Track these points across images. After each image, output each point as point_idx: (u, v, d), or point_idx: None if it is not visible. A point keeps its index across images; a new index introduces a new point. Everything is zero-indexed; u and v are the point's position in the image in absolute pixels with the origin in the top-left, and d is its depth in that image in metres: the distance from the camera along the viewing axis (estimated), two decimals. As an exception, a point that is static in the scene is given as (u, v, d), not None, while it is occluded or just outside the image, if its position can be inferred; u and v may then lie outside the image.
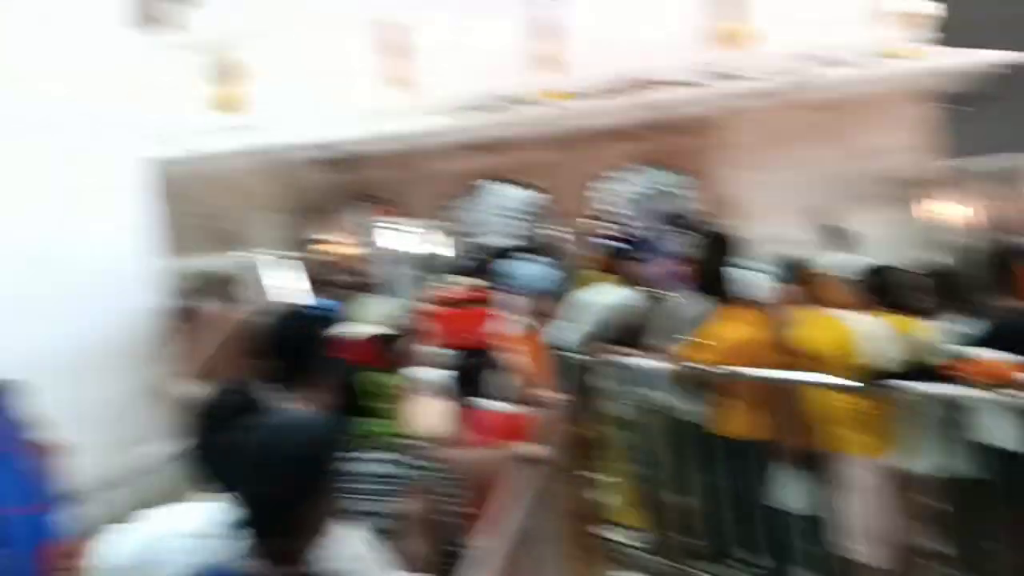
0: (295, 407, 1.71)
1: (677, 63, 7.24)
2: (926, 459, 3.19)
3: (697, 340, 3.83)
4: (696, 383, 3.85)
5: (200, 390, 2.07)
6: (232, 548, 1.44)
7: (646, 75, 7.27)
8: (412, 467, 1.85)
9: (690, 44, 7.32)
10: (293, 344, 2.07)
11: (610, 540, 4.37)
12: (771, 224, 7.08)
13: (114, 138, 5.29)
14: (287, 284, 2.41)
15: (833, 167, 7.30)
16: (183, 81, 8.15)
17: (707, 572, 3.94)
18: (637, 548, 4.29)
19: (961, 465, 3.04)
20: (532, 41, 7.59)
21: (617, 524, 4.41)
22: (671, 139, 7.63)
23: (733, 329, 3.69)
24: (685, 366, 3.80)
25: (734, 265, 4.20)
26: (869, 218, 7.08)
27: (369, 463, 1.85)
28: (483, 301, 3.06)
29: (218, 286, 6.49)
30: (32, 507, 0.75)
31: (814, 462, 3.50)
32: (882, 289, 3.43)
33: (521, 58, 7.58)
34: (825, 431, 3.51)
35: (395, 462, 1.86)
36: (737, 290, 3.80)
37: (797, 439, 3.63)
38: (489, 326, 2.87)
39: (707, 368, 3.69)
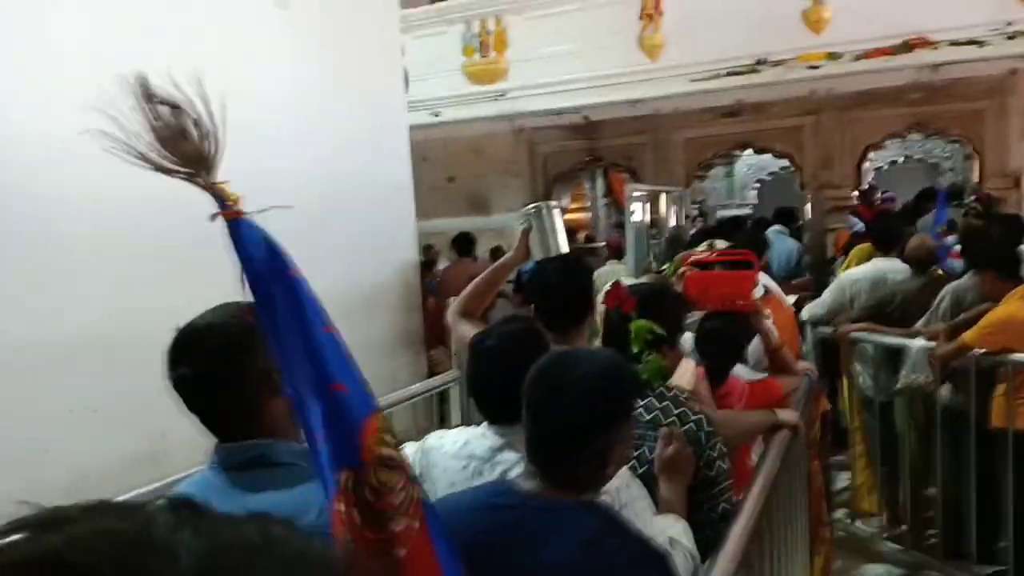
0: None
1: (963, 20, 6.52)
2: None
3: (966, 321, 3.49)
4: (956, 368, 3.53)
5: (474, 327, 2.25)
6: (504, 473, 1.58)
7: (922, 33, 6.62)
8: (683, 417, 1.88)
9: (981, 1, 6.54)
10: (567, 290, 2.20)
11: (849, 525, 4.19)
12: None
13: (379, 104, 5.84)
14: (559, 236, 2.51)
15: None
16: (443, 52, 8.67)
17: (948, 568, 3.66)
18: (876, 535, 4.08)
19: None
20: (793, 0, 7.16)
21: (857, 510, 4.21)
22: (950, 104, 6.89)
23: (1011, 312, 3.32)
24: (949, 349, 3.49)
25: (1012, 245, 3.77)
26: None
27: (638, 408, 1.91)
28: (743, 263, 2.98)
29: (466, 244, 6.93)
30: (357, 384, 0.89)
31: None
32: None
33: (780, 17, 7.18)
34: None
35: (666, 410, 1.90)
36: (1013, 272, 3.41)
37: None
38: (747, 290, 2.80)
39: (971, 352, 3.37)
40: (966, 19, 6.55)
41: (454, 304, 2.56)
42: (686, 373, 2.31)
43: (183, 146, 1.05)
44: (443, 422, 3.79)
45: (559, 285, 2.20)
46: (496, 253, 7.52)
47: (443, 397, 3.71)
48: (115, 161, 0.94)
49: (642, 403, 1.91)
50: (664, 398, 1.94)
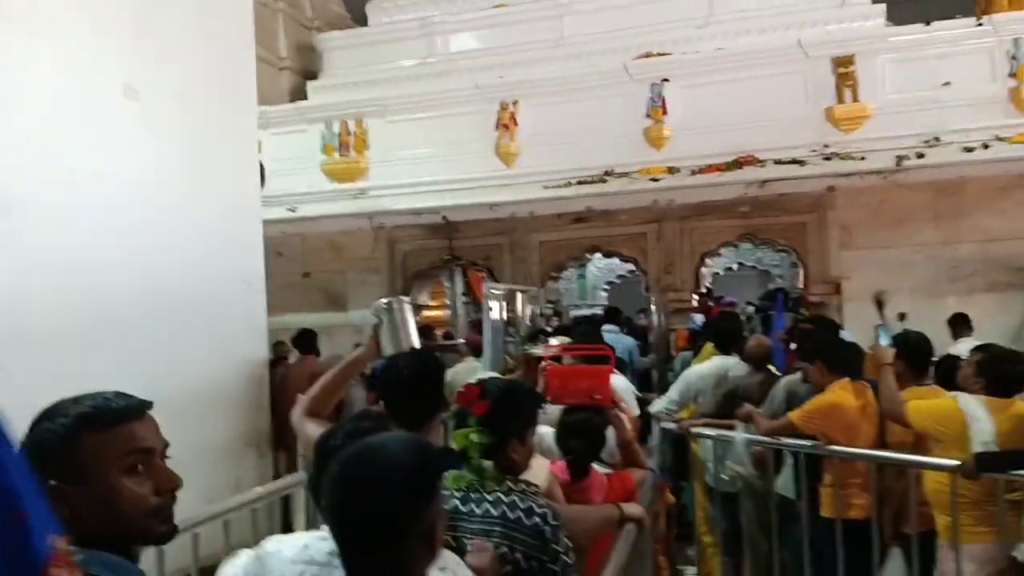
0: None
1: (787, 141, 7.29)
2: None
3: (797, 413, 3.75)
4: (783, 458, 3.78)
5: (321, 427, 2.18)
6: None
7: (750, 152, 7.33)
8: (530, 513, 1.87)
9: (801, 123, 7.35)
10: (418, 385, 2.20)
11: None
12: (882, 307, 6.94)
13: (232, 197, 5.72)
14: (411, 331, 2.51)
15: (946, 249, 7.09)
16: (301, 147, 8.68)
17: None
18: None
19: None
20: (637, 118, 7.76)
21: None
22: (776, 217, 7.59)
23: (834, 400, 3.62)
24: (777, 441, 3.73)
25: (837, 341, 4.15)
26: (983, 302, 6.86)
27: (484, 505, 1.89)
28: (602, 357, 3.08)
29: (309, 341, 6.75)
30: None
31: (918, 546, 3.35)
32: (985, 370, 3.28)
33: (625, 134, 7.75)
34: (928, 512, 3.36)
35: (513, 506, 1.88)
36: (840, 366, 3.72)
37: (898, 520, 3.49)
38: (605, 384, 2.89)
39: (803, 444, 3.61)
40: (789, 140, 7.31)
41: (299, 404, 2.47)
42: (539, 470, 2.32)
43: None
44: (288, 529, 3.58)
45: (410, 380, 2.19)
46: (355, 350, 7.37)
47: (287, 502, 3.51)
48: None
49: (489, 498, 1.89)
50: (511, 493, 1.93)
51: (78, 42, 4.41)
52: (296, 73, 9.65)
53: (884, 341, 3.93)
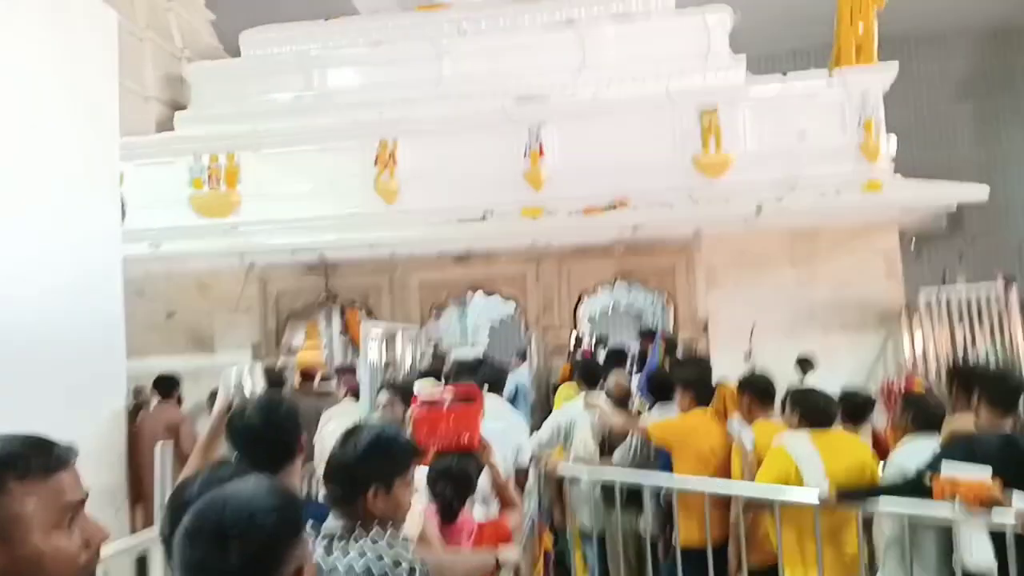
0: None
1: (658, 185, 7.58)
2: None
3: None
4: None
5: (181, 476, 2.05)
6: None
7: (623, 196, 7.59)
8: (395, 564, 1.79)
9: (669, 169, 7.67)
10: (267, 431, 2.17)
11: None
12: (740, 342, 7.30)
13: (89, 231, 5.36)
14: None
15: (803, 290, 7.54)
16: (167, 183, 8.28)
17: None
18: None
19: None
20: (516, 159, 7.89)
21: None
22: (648, 259, 7.86)
23: (688, 419, 3.98)
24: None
25: (699, 377, 4.34)
26: (838, 341, 7.32)
27: (348, 556, 1.80)
28: (470, 399, 3.03)
29: (168, 386, 6.38)
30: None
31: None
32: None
33: (505, 175, 7.86)
34: (777, 543, 3.51)
35: (378, 558, 1.80)
36: (700, 399, 4.03)
37: (753, 551, 3.62)
38: (474, 425, 2.85)
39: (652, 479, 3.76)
40: (659, 184, 7.61)
41: (188, 469, 2.36)
42: (412, 515, 2.24)
43: None
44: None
45: (258, 426, 2.17)
46: (215, 396, 7.00)
47: (142, 561, 3.24)
48: None
49: (354, 548, 1.81)
50: (376, 543, 1.85)
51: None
52: (164, 104, 9.24)
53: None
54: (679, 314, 7.86)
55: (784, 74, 7.84)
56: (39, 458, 1.08)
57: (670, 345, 6.95)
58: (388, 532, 1.89)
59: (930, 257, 9.08)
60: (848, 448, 3.48)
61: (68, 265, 5.02)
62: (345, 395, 6.63)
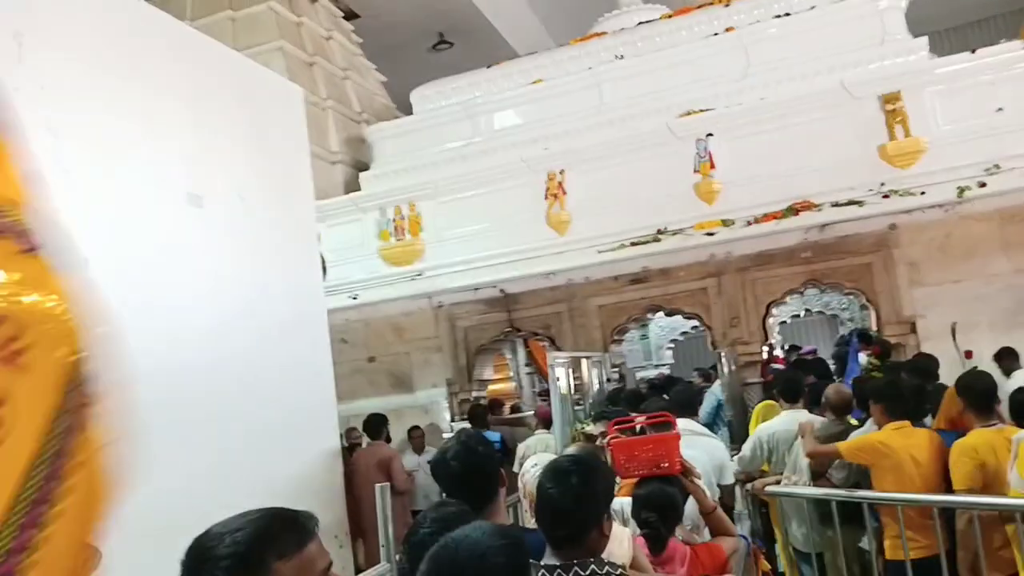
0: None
1: (841, 183, 7.19)
2: None
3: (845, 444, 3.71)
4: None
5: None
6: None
7: (805, 198, 7.25)
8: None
9: (853, 164, 7.25)
10: (466, 472, 2.27)
11: None
12: (955, 340, 6.69)
13: (297, 291, 5.87)
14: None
15: (1020, 278, 6.80)
16: (357, 236, 8.91)
17: None
18: None
19: None
20: (686, 175, 7.78)
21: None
22: (839, 260, 7.42)
23: (881, 437, 3.68)
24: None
25: (896, 385, 4.01)
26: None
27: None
28: (667, 425, 3.00)
29: (377, 426, 6.77)
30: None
31: None
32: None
33: (675, 192, 7.76)
34: (1008, 556, 3.22)
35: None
36: (899, 410, 3.74)
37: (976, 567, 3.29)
38: (672, 451, 2.81)
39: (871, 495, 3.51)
40: (844, 182, 7.21)
41: None
42: (622, 542, 2.25)
43: None
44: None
45: (457, 470, 2.27)
46: (413, 432, 7.37)
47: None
48: None
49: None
50: (595, 575, 1.87)
51: (142, 156, 4.64)
52: (348, 165, 9.99)
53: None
54: (881, 315, 7.31)
55: (973, 51, 7.20)
56: (292, 534, 1.16)
57: (884, 349, 6.43)
58: (606, 565, 1.90)
59: None
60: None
61: (283, 322, 5.52)
62: (537, 425, 6.77)
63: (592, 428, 3.53)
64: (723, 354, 6.50)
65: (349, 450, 6.57)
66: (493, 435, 6.68)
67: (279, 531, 1.14)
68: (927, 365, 5.20)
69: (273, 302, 5.46)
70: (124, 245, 4.34)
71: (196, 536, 1.13)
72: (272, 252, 5.64)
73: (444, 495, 2.28)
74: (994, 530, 3.31)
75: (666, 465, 2.79)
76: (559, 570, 1.87)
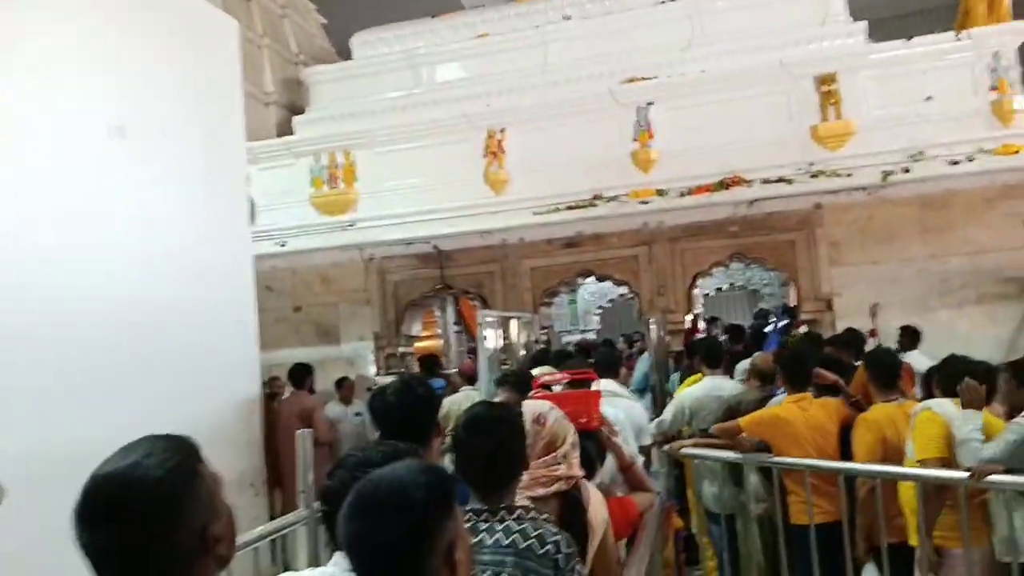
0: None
1: (773, 160, 7.35)
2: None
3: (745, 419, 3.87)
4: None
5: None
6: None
7: (737, 173, 7.39)
8: (542, 541, 1.83)
9: (786, 143, 7.41)
10: (404, 411, 2.26)
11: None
12: (867, 319, 6.98)
13: (223, 233, 5.69)
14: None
15: (935, 262, 7.12)
16: (289, 181, 8.67)
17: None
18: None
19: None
20: (624, 142, 7.81)
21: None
22: (765, 236, 7.62)
23: (777, 411, 3.86)
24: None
25: (823, 357, 4.18)
26: (974, 314, 6.89)
27: (495, 534, 1.85)
28: (587, 382, 3.04)
29: (302, 375, 6.70)
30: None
31: (896, 553, 3.37)
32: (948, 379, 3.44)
33: (613, 158, 7.80)
34: (901, 523, 3.44)
35: (524, 535, 1.84)
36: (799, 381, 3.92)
37: (878, 529, 3.48)
38: (592, 408, 2.85)
39: (781, 461, 3.67)
40: (775, 159, 7.38)
41: None
42: (599, 505, 2.28)
43: None
44: (287, 568, 3.49)
45: (397, 406, 2.26)
46: (340, 384, 7.32)
47: (283, 541, 3.42)
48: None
49: (500, 527, 1.86)
50: (523, 521, 1.89)
51: (64, 84, 4.39)
52: (282, 107, 9.67)
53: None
54: (801, 291, 7.57)
55: (909, 38, 7.40)
56: (187, 443, 1.17)
57: (786, 327, 6.68)
58: (531, 512, 1.93)
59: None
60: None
61: (207, 265, 5.35)
62: (463, 383, 6.79)
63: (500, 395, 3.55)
64: (652, 321, 6.62)
65: (270, 399, 6.46)
66: (439, 382, 6.66)
67: (178, 442, 1.15)
68: (854, 339, 5.43)
69: (198, 244, 5.28)
70: (42, 175, 4.13)
71: (91, 481, 1.08)
72: (198, 191, 5.43)
73: (380, 435, 2.25)
74: (891, 500, 3.50)
75: (584, 420, 2.84)
76: (486, 513, 1.89)
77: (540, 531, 1.86)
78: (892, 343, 6.03)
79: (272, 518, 4.55)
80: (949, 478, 3.15)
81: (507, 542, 1.84)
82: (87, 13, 4.58)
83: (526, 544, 1.82)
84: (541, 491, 2.20)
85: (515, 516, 1.90)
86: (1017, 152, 6.94)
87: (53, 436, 3.68)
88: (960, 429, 3.16)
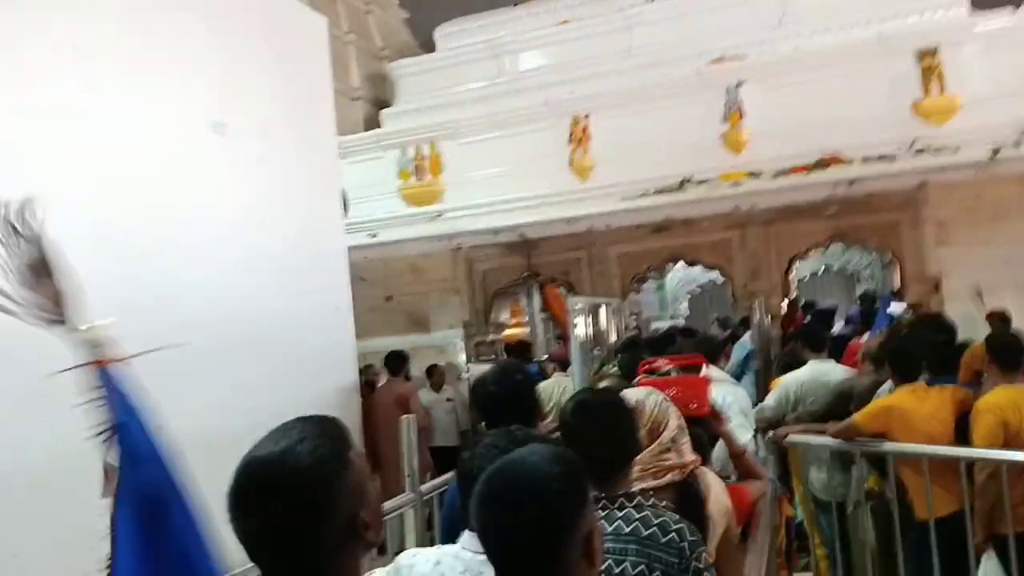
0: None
1: (873, 138, 7.05)
2: None
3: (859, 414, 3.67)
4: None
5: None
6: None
7: (835, 152, 7.12)
8: (664, 528, 1.80)
9: (886, 119, 7.10)
10: (504, 394, 2.29)
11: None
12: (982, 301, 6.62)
13: (317, 227, 5.83)
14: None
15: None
16: (378, 174, 8.83)
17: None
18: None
19: None
20: (713, 124, 7.64)
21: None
22: (867, 216, 7.32)
23: (891, 402, 3.64)
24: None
25: (931, 345, 3.98)
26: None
27: (615, 522, 1.83)
28: (696, 367, 2.99)
29: (398, 362, 6.82)
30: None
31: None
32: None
33: (702, 141, 7.63)
34: None
35: (646, 523, 1.82)
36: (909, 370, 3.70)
37: (999, 517, 3.29)
38: (701, 394, 2.80)
39: (895, 447, 3.50)
40: (875, 138, 7.07)
41: None
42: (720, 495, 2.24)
43: (43, 286, 0.97)
44: (398, 550, 3.57)
45: (499, 394, 2.29)
46: (431, 371, 7.42)
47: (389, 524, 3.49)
48: None
49: (620, 513, 1.84)
50: (643, 509, 1.86)
51: (167, 83, 4.55)
52: (369, 102, 9.85)
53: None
54: (906, 274, 7.25)
55: (1017, 6, 6.97)
56: (337, 427, 1.17)
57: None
58: (651, 499, 1.90)
59: None
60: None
61: (303, 258, 5.50)
62: (554, 369, 6.78)
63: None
64: (756, 304, 6.49)
65: (367, 386, 6.62)
66: (532, 367, 6.68)
67: (330, 427, 1.14)
68: (950, 323, 5.15)
69: (297, 237, 5.44)
70: (147, 173, 4.29)
71: (245, 465, 1.09)
72: (295, 186, 5.59)
73: (483, 423, 2.28)
74: (1014, 486, 3.31)
75: (694, 406, 2.78)
76: (604, 500, 1.87)
77: (662, 519, 1.83)
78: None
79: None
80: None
81: (628, 530, 1.81)
82: (177, 12, 4.70)
83: (648, 532, 1.79)
84: (652, 482, 2.15)
85: (634, 504, 1.87)
86: None
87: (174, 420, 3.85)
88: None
